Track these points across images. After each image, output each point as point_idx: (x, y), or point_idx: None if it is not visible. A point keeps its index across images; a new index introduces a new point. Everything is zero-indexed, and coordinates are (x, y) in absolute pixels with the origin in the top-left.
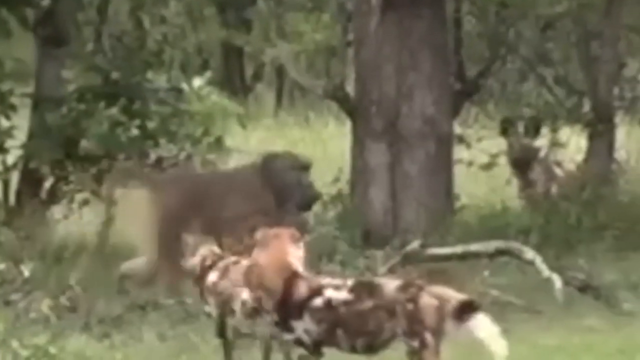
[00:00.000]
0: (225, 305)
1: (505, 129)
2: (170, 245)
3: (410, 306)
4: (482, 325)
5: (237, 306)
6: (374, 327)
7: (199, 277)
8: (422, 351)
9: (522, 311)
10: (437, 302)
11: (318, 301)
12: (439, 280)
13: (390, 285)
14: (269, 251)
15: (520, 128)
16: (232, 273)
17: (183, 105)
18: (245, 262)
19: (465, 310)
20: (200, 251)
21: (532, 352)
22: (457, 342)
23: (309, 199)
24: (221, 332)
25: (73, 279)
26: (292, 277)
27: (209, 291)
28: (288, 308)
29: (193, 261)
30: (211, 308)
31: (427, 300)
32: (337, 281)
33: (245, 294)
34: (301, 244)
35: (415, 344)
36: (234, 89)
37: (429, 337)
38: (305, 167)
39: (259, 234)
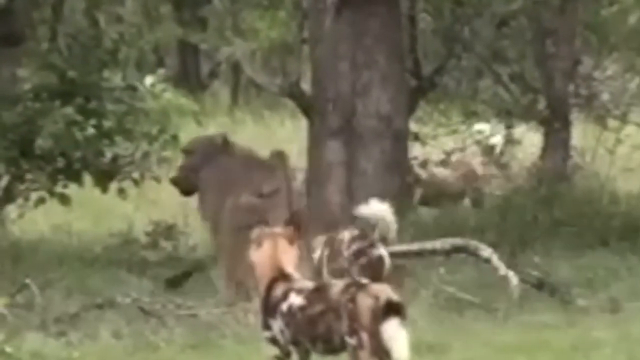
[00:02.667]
0: None
1: None
2: None
3: (350, 306)
4: (391, 329)
5: None
6: (324, 330)
7: None
8: (358, 351)
9: (478, 308)
10: (372, 301)
11: (284, 305)
12: (396, 277)
13: (337, 287)
14: (262, 250)
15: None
16: None
17: (138, 103)
18: None
19: (390, 310)
20: None
21: (487, 350)
22: None
23: None
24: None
25: (29, 278)
26: (277, 277)
27: None
28: (267, 307)
29: None
30: None
31: (363, 299)
32: (304, 285)
33: None
34: (296, 244)
35: (354, 342)
36: (190, 86)
37: (364, 336)
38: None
39: (254, 233)
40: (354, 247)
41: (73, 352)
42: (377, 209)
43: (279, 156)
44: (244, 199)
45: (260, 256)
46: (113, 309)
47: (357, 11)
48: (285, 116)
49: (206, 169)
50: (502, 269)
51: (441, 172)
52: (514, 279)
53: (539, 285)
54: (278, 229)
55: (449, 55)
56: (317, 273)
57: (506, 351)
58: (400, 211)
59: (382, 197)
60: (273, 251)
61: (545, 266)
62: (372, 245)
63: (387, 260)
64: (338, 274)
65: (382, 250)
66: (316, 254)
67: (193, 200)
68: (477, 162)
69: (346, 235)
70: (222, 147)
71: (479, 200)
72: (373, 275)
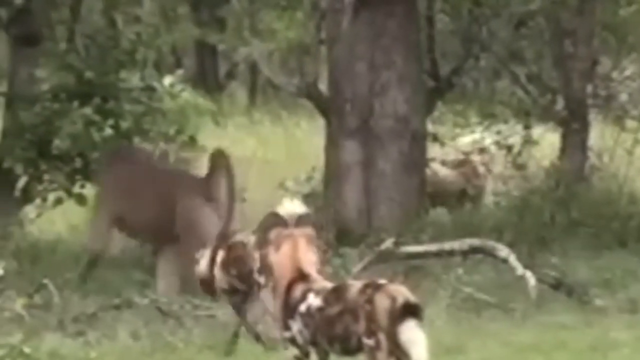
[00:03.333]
0: None
1: None
2: None
3: (368, 307)
4: (409, 330)
5: None
6: (342, 330)
7: None
8: (375, 352)
9: (495, 309)
10: (390, 302)
11: (303, 306)
12: (414, 278)
13: (354, 287)
14: (281, 251)
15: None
16: None
17: (156, 103)
18: None
19: (407, 312)
20: None
21: (505, 350)
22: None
23: None
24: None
25: (47, 278)
26: (296, 278)
27: None
28: (287, 308)
29: None
30: None
31: (380, 300)
32: (322, 286)
33: None
34: (315, 245)
35: (372, 343)
36: (207, 87)
37: (382, 337)
38: None
39: (273, 233)
40: None
41: (91, 352)
42: (291, 208)
43: (219, 157)
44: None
45: (279, 257)
46: (131, 310)
47: (374, 12)
48: (302, 117)
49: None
50: (520, 270)
51: (442, 170)
52: (531, 279)
53: (557, 286)
54: (297, 230)
55: (466, 56)
56: (205, 282)
57: (524, 351)
58: (418, 211)
59: (400, 197)
60: (292, 252)
61: (563, 266)
62: None
63: None
64: (246, 277)
65: None
66: (203, 263)
67: None
68: (477, 160)
69: (252, 238)
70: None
71: (478, 199)
72: None
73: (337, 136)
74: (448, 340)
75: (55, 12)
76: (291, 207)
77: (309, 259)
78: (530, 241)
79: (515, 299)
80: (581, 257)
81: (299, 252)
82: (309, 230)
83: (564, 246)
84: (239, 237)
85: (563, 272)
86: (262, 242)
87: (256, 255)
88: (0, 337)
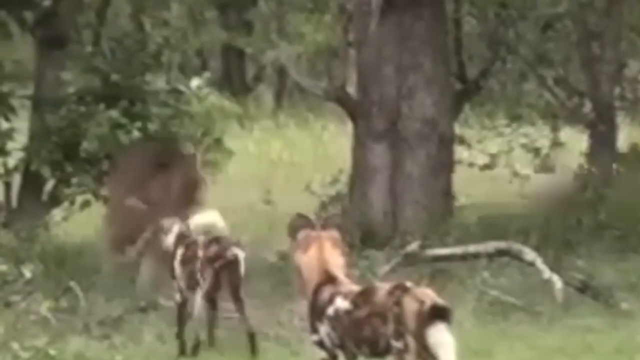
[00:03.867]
0: None
1: None
2: None
3: (396, 309)
4: (437, 333)
5: None
6: (370, 333)
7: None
8: (404, 354)
9: (521, 312)
10: (418, 305)
11: (331, 309)
12: (440, 281)
13: (382, 290)
14: (309, 254)
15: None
16: None
17: (183, 106)
18: None
19: (435, 314)
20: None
21: (531, 353)
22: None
23: None
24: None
25: (73, 281)
26: (324, 281)
27: None
28: (315, 310)
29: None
30: None
31: (409, 303)
32: (350, 289)
33: None
34: (341, 247)
35: (400, 345)
36: (233, 90)
37: (410, 340)
38: None
39: (300, 236)
40: (211, 249)
41: (116, 355)
42: (209, 217)
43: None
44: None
45: (307, 260)
46: (156, 312)
47: (402, 14)
48: (329, 120)
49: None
50: (546, 273)
51: None
52: (558, 282)
53: (583, 289)
54: (324, 233)
55: (493, 58)
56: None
57: (550, 354)
58: (444, 214)
59: (426, 200)
60: (320, 255)
61: (589, 269)
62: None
63: (242, 261)
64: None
65: (237, 251)
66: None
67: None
68: None
69: (200, 239)
70: None
71: None
72: (230, 276)
73: (365, 139)
74: (475, 343)
75: (81, 15)
76: (202, 218)
77: (337, 262)
78: (557, 244)
79: (542, 302)
80: (608, 260)
81: (326, 254)
82: (335, 233)
83: (591, 249)
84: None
85: (589, 275)
86: (292, 245)
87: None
88: (26, 340)
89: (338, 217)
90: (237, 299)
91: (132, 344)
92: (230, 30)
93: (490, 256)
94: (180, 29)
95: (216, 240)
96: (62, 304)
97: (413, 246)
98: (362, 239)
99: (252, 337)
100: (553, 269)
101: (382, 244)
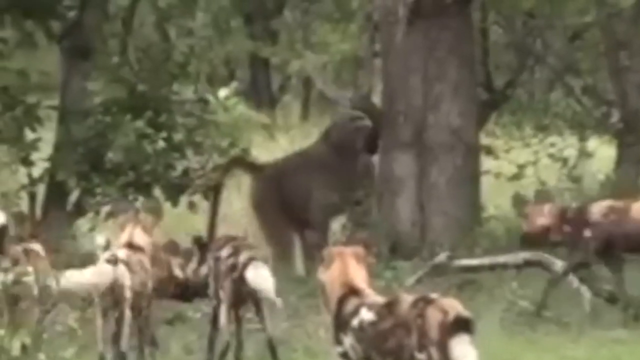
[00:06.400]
0: None
1: None
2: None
3: (419, 321)
4: (460, 345)
5: None
6: (395, 345)
7: None
8: None
9: (550, 323)
10: (442, 316)
11: (355, 321)
12: (468, 291)
13: (406, 301)
14: (332, 269)
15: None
16: None
17: (209, 116)
18: None
19: (458, 326)
20: None
21: None
22: None
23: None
24: None
25: None
26: (348, 292)
27: None
28: (339, 322)
29: None
30: None
31: (432, 314)
32: (374, 301)
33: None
34: (365, 262)
35: (424, 357)
36: (260, 100)
37: (433, 351)
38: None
39: (324, 252)
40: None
41: None
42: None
43: None
44: None
45: (329, 274)
46: (184, 324)
47: (428, 24)
48: None
49: None
50: (575, 283)
51: None
52: (586, 293)
53: (612, 300)
54: (347, 249)
55: (521, 68)
56: None
57: None
58: (472, 225)
59: (454, 210)
60: (343, 268)
61: (618, 281)
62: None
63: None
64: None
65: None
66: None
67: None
68: None
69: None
70: None
71: None
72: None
73: (391, 149)
74: (503, 354)
75: (107, 25)
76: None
77: (360, 275)
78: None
79: (570, 313)
80: (636, 271)
81: (349, 267)
82: (359, 249)
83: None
84: None
85: (618, 287)
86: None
87: None
88: (52, 351)
89: (365, 235)
90: (258, 309)
91: (159, 355)
92: (256, 39)
93: (519, 267)
94: (205, 39)
95: (235, 249)
96: (89, 315)
97: (441, 257)
98: (390, 250)
99: (270, 342)
100: (582, 279)
101: (410, 255)
